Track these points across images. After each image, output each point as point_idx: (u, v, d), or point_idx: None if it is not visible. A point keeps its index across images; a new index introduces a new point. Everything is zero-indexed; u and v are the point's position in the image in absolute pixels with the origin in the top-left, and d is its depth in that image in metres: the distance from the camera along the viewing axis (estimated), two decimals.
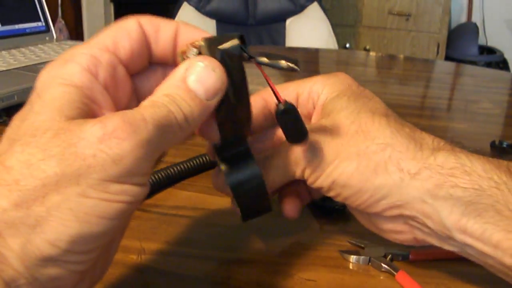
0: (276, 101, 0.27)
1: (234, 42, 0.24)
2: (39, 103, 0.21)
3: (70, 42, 0.89)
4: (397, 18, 2.49)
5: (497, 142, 0.56)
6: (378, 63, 1.15)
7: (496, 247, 0.26)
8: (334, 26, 1.64)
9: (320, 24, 1.64)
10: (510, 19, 2.53)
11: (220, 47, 0.24)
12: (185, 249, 0.35)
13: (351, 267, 0.33)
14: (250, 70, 0.26)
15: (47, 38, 0.86)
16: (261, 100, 0.33)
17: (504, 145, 0.55)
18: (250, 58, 0.25)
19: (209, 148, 0.31)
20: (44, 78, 0.23)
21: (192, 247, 0.35)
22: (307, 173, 0.30)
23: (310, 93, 0.32)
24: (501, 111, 0.78)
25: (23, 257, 0.19)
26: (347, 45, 2.52)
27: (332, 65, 1.10)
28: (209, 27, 1.65)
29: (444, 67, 1.24)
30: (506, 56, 2.42)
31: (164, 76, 0.28)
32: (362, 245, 0.35)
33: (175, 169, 0.44)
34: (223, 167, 0.29)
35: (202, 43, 0.25)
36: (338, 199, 0.30)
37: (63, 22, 2.33)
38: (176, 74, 0.23)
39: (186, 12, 1.64)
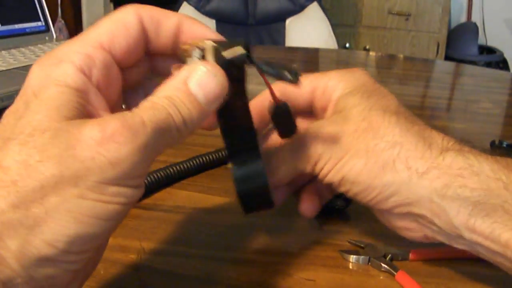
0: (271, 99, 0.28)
1: (239, 50, 0.24)
2: (36, 102, 0.21)
3: None
4: (397, 18, 2.49)
5: (497, 142, 0.56)
6: (378, 63, 1.15)
7: (505, 247, 0.26)
8: (334, 26, 1.64)
9: (320, 24, 1.64)
10: (510, 18, 2.53)
11: (225, 54, 0.24)
12: (185, 249, 0.35)
13: (350, 267, 0.33)
14: (249, 71, 0.26)
15: (47, 38, 0.86)
16: (255, 112, 0.33)
17: (504, 145, 0.55)
18: (255, 66, 0.26)
19: None
20: (37, 76, 0.22)
21: (192, 247, 0.35)
22: (317, 168, 0.30)
23: (326, 88, 0.33)
24: (501, 111, 0.78)
25: (20, 257, 0.19)
26: (347, 45, 2.52)
27: (332, 65, 1.10)
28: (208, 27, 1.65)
29: (444, 67, 1.24)
30: (506, 56, 2.42)
31: (152, 67, 0.28)
32: (362, 245, 0.35)
33: (188, 164, 0.44)
34: (229, 164, 0.29)
35: (207, 45, 0.25)
36: (349, 195, 0.31)
37: (63, 22, 2.33)
38: (178, 77, 0.23)
39: (186, 11, 1.64)
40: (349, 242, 0.36)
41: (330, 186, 0.31)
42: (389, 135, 0.29)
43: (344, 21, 2.54)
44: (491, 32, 2.56)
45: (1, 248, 0.19)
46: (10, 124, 0.21)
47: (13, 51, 0.76)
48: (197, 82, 0.23)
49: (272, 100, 0.29)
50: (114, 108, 0.25)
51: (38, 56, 0.74)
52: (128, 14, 0.25)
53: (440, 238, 0.29)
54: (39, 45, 0.81)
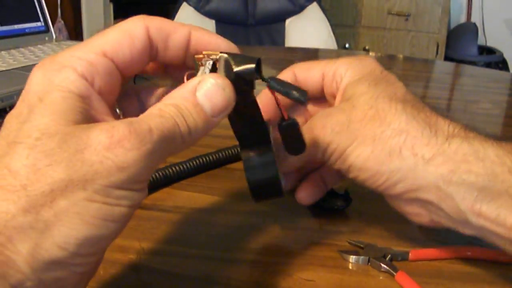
0: (280, 115, 0.29)
1: (250, 64, 0.25)
2: (41, 106, 0.21)
3: (69, 42, 0.89)
4: (397, 18, 2.49)
5: None
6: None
7: (511, 230, 0.27)
8: (334, 26, 1.64)
9: (319, 24, 1.64)
10: (509, 19, 2.53)
11: (236, 68, 0.25)
12: (184, 249, 0.35)
13: (350, 267, 0.33)
14: None
15: (46, 38, 0.86)
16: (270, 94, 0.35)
17: None
18: (264, 82, 0.27)
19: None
20: (40, 81, 0.22)
21: (191, 247, 0.35)
22: (327, 155, 0.31)
23: (334, 75, 0.34)
24: (501, 111, 0.78)
25: (31, 260, 0.19)
26: (347, 45, 2.52)
27: None
28: (208, 27, 1.65)
29: (443, 67, 1.24)
30: (506, 56, 2.42)
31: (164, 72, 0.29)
32: (362, 245, 0.35)
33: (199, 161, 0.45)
34: (243, 154, 0.30)
35: (219, 57, 0.25)
36: (358, 181, 0.31)
37: (62, 22, 2.32)
38: (188, 86, 0.24)
39: (186, 12, 1.64)
40: (348, 242, 0.36)
41: (336, 174, 0.33)
42: (395, 123, 0.30)
43: (343, 22, 2.54)
44: (490, 32, 2.56)
45: (12, 252, 0.19)
46: (14, 128, 0.21)
47: (12, 51, 0.76)
48: (205, 93, 0.24)
49: (280, 116, 0.30)
50: (112, 112, 0.25)
51: (37, 56, 0.74)
52: (136, 26, 0.25)
53: (447, 223, 0.30)
54: (39, 46, 0.81)
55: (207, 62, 0.26)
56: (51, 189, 0.19)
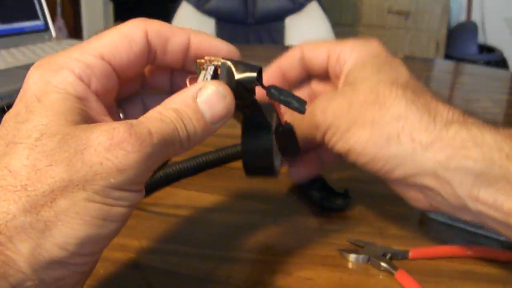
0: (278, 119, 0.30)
1: (251, 74, 0.26)
2: (40, 107, 0.21)
3: (69, 41, 0.89)
4: (396, 17, 2.49)
5: None
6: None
7: (508, 215, 0.27)
8: (333, 25, 1.64)
9: (319, 23, 1.64)
10: (509, 17, 2.53)
11: (237, 76, 0.25)
12: (184, 248, 0.35)
13: (350, 266, 0.33)
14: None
15: (46, 36, 0.86)
16: (278, 71, 0.36)
17: None
18: (265, 90, 0.27)
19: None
20: (37, 81, 0.22)
21: (191, 246, 0.35)
22: (327, 137, 0.32)
23: (339, 58, 0.34)
24: (501, 110, 0.78)
25: (32, 260, 0.20)
26: None
27: None
28: (208, 25, 1.65)
29: (443, 66, 1.24)
30: (506, 54, 2.42)
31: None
32: (361, 244, 0.35)
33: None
34: (242, 128, 0.31)
35: (221, 63, 0.26)
36: (357, 164, 0.32)
37: (62, 20, 2.32)
38: (189, 92, 0.24)
39: (186, 10, 1.64)
40: (348, 241, 0.36)
41: (334, 155, 0.33)
42: (395, 108, 0.30)
43: (343, 20, 2.54)
44: (490, 31, 2.56)
45: (13, 252, 0.19)
46: (12, 128, 0.21)
47: (12, 50, 0.76)
48: (206, 100, 0.24)
49: (277, 122, 0.31)
50: (110, 114, 0.25)
51: (37, 55, 0.74)
52: (135, 29, 0.25)
53: (446, 208, 0.30)
54: (38, 44, 0.81)
55: (209, 68, 0.26)
56: (51, 189, 0.20)
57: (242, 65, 0.26)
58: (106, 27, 0.29)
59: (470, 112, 0.30)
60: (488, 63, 2.34)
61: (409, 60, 1.24)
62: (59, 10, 2.32)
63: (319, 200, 0.40)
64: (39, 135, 0.20)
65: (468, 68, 1.22)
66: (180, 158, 0.45)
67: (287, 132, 0.31)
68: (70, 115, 0.21)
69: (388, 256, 0.34)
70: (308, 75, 0.37)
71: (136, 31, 0.25)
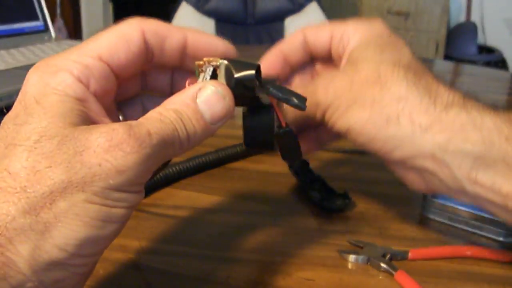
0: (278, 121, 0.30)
1: (250, 72, 0.26)
2: (39, 109, 0.21)
3: (69, 42, 0.89)
4: (396, 17, 2.49)
5: None
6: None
7: (506, 198, 0.27)
8: None
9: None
10: (509, 18, 2.53)
11: (236, 75, 0.25)
12: (184, 249, 0.35)
13: (350, 267, 0.33)
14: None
15: (45, 37, 0.86)
16: (280, 54, 0.35)
17: None
18: (264, 88, 0.27)
19: None
20: (36, 83, 0.22)
21: (191, 246, 0.35)
22: (327, 116, 0.31)
23: (342, 38, 0.34)
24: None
25: (31, 262, 0.20)
26: None
27: None
28: (207, 26, 1.65)
29: (443, 67, 1.24)
30: (505, 55, 2.42)
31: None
32: (361, 245, 0.35)
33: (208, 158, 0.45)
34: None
35: (220, 63, 0.26)
36: (357, 144, 0.31)
37: (62, 21, 2.32)
38: (188, 92, 0.24)
39: (185, 11, 1.64)
40: (348, 242, 0.36)
41: (332, 134, 0.33)
42: (395, 89, 0.29)
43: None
44: (490, 31, 2.56)
45: (13, 254, 0.19)
46: (11, 130, 0.21)
47: (12, 50, 0.76)
48: (205, 101, 0.24)
49: (278, 125, 0.31)
50: (109, 114, 0.25)
51: (37, 55, 0.74)
52: (131, 29, 0.25)
53: (444, 190, 0.30)
54: (38, 45, 0.81)
55: (208, 69, 0.26)
56: (50, 190, 0.20)
57: (240, 64, 0.26)
58: (105, 28, 0.29)
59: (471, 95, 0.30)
60: (487, 64, 2.34)
61: None
62: (58, 10, 2.32)
63: (319, 201, 0.40)
64: (38, 137, 0.20)
65: (468, 68, 1.22)
66: (180, 159, 0.45)
67: (287, 134, 0.31)
68: (69, 116, 0.21)
69: (388, 256, 0.34)
70: (311, 58, 0.36)
71: (133, 31, 0.25)
